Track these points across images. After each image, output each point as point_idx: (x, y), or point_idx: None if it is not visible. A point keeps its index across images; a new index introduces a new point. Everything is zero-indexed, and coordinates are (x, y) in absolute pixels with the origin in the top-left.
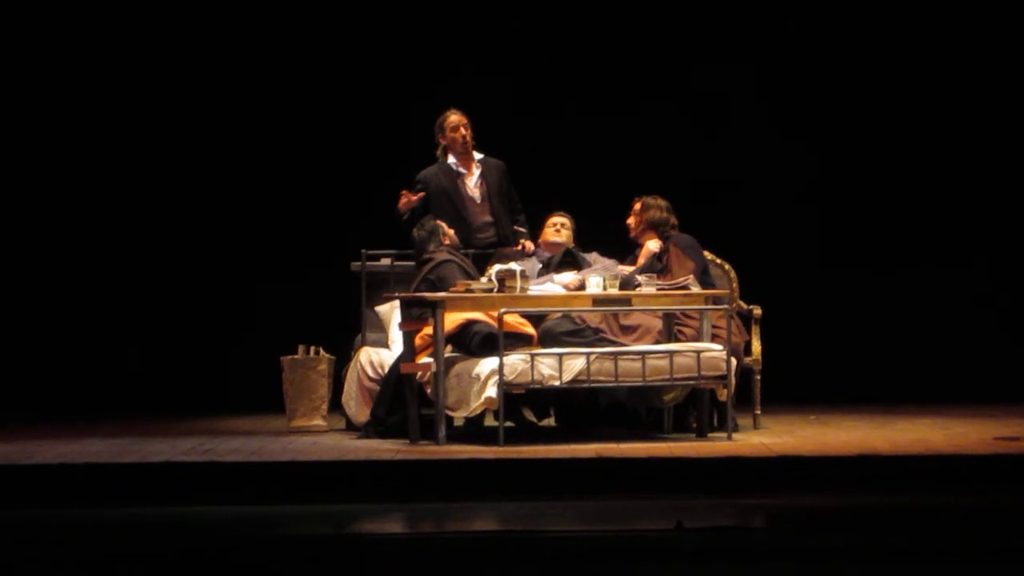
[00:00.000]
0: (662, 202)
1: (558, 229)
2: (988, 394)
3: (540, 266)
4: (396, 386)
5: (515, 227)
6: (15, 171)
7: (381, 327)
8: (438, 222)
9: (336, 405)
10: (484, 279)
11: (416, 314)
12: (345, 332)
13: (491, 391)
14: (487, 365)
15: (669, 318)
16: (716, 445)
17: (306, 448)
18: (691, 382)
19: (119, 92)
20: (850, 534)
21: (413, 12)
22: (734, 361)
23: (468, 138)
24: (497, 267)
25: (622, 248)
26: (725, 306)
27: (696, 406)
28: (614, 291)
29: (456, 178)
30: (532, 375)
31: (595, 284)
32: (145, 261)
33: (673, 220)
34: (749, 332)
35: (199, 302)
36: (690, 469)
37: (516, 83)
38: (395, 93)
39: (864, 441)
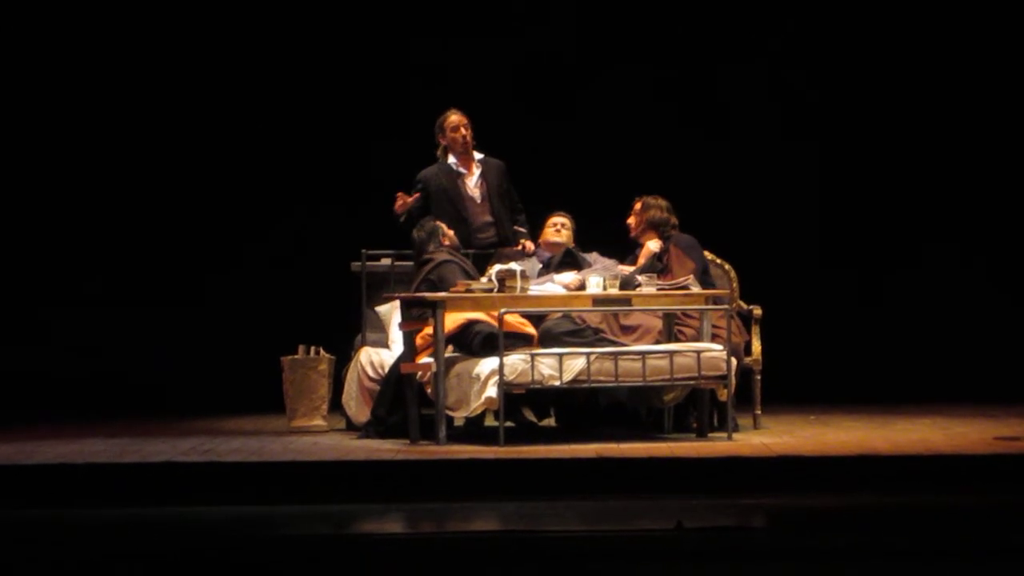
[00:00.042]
0: (663, 202)
1: (558, 229)
2: (988, 394)
3: (540, 266)
4: (396, 386)
5: (515, 227)
6: (15, 172)
7: (381, 327)
8: (438, 223)
9: (336, 405)
10: (484, 279)
11: (416, 314)
12: (345, 332)
13: (491, 391)
14: (487, 365)
15: (669, 318)
16: (716, 445)
17: (306, 448)
18: (691, 382)
19: (119, 92)
20: (850, 534)
21: (413, 11)
22: (734, 361)
23: (468, 138)
24: (497, 267)
25: (622, 248)
26: (725, 306)
27: (696, 406)
28: (614, 291)
29: (456, 178)
30: (532, 375)
31: (595, 284)
32: (145, 261)
33: (674, 220)
34: (749, 332)
35: (199, 302)
36: (690, 469)
37: (516, 83)
38: (395, 92)
39: (864, 441)
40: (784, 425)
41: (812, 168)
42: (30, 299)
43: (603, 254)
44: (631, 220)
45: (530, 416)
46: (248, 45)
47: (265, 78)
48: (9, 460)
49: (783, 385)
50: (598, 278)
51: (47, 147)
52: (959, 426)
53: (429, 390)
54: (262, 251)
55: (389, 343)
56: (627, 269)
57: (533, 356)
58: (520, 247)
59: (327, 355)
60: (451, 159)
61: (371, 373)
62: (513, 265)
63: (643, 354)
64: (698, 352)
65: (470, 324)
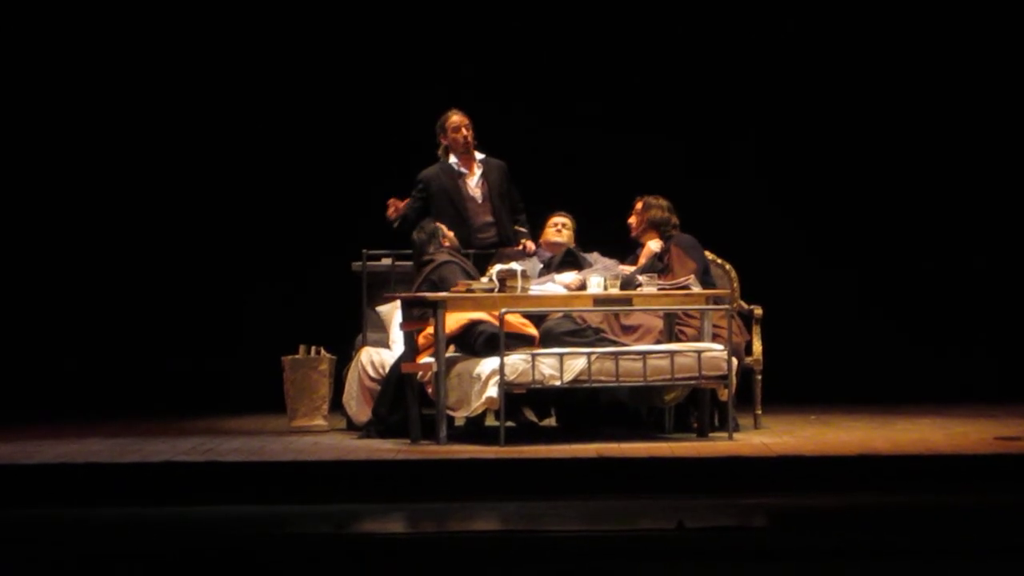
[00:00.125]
0: (663, 202)
1: (559, 229)
2: (988, 394)
3: (541, 266)
4: (397, 386)
5: (516, 227)
6: (16, 171)
7: (382, 327)
8: (437, 224)
9: (337, 405)
10: (485, 279)
11: (417, 314)
12: (346, 332)
13: (492, 391)
14: (488, 365)
15: (670, 318)
16: (717, 445)
17: (307, 448)
18: (692, 382)
19: (118, 93)
20: (850, 534)
21: (413, 11)
22: (735, 361)
23: (469, 138)
24: (498, 267)
25: (623, 248)
26: (726, 306)
27: (697, 406)
28: (615, 291)
29: (457, 178)
30: (533, 375)
31: (596, 284)
32: (145, 261)
33: (674, 220)
34: (750, 332)
35: (199, 302)
36: (691, 469)
37: (517, 83)
38: (395, 92)
39: (864, 441)
40: (784, 425)
41: (812, 168)
42: (30, 299)
43: (604, 254)
44: (632, 220)
45: (531, 416)
46: (248, 45)
47: (265, 77)
48: (9, 460)
49: (784, 385)
50: (599, 278)
51: (47, 147)
52: (959, 426)
53: (430, 390)
54: (262, 251)
55: (390, 343)
56: (628, 269)
57: (534, 356)
58: (521, 247)
59: (328, 355)
60: (452, 159)
61: (372, 373)
62: (514, 265)
63: (644, 354)
64: (699, 352)
65: (473, 324)
